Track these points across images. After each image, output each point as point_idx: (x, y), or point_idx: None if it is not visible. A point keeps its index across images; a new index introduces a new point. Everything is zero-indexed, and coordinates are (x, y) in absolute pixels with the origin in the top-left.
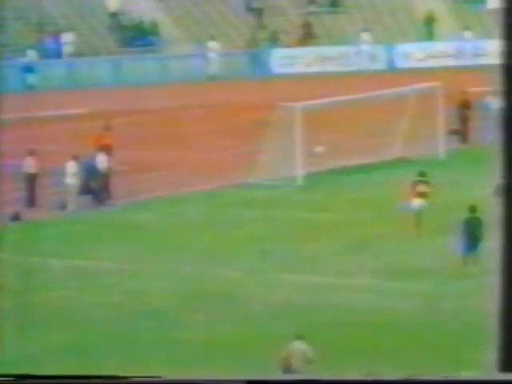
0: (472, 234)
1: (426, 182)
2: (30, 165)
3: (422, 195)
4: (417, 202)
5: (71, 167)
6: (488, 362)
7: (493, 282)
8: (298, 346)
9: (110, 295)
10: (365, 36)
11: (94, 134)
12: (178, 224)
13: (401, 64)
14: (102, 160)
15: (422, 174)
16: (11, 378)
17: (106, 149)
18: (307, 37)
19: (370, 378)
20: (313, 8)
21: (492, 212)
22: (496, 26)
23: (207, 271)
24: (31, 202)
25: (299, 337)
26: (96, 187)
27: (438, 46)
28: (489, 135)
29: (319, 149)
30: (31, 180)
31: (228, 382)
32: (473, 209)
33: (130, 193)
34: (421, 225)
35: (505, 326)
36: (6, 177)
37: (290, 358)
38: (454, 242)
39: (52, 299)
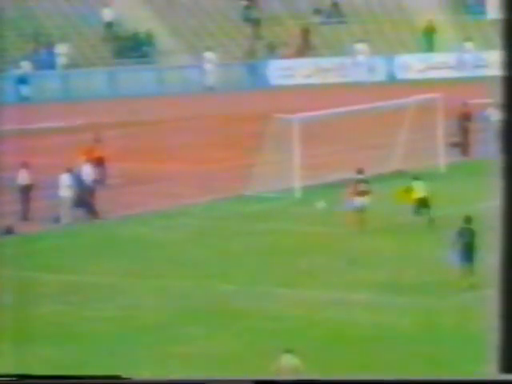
0: (466, 244)
1: (366, 181)
2: (23, 177)
3: (363, 193)
4: (359, 201)
5: (65, 180)
6: (488, 376)
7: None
8: (288, 359)
9: (104, 310)
10: (360, 47)
11: (85, 147)
12: (173, 238)
13: (401, 75)
14: (88, 173)
15: (360, 172)
16: (11, 378)
17: (98, 161)
18: (306, 48)
19: (370, 378)
20: (318, 18)
21: (491, 224)
22: (497, 36)
23: (202, 285)
24: (25, 215)
25: (289, 350)
26: (90, 200)
27: (438, 57)
28: (489, 148)
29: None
30: (25, 193)
31: (236, 382)
32: (468, 220)
33: (125, 206)
34: (364, 222)
35: (505, 327)
36: None
37: (281, 372)
38: (449, 253)
39: (45, 314)
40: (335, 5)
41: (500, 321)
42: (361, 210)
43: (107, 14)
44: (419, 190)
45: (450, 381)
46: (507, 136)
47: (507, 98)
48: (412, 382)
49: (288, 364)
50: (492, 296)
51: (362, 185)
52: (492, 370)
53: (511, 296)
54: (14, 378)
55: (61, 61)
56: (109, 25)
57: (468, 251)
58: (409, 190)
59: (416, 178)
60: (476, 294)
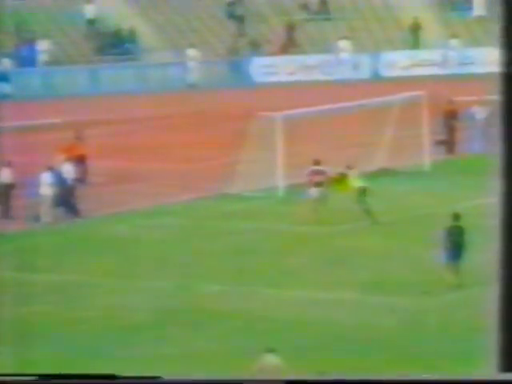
0: (454, 242)
1: (322, 172)
2: (6, 176)
3: (318, 184)
4: (314, 191)
5: (46, 178)
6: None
7: (479, 285)
8: (270, 359)
9: (86, 310)
10: (345, 44)
11: (66, 145)
12: (155, 237)
13: (385, 72)
14: (69, 171)
15: (316, 163)
16: (9, 377)
17: (80, 159)
18: (290, 45)
19: (370, 378)
20: (302, 15)
21: (478, 222)
22: (483, 33)
23: (185, 285)
24: (5, 213)
25: (270, 350)
26: (71, 199)
27: (423, 55)
28: (475, 145)
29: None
30: (6, 191)
31: (235, 381)
32: (456, 217)
33: (106, 204)
34: (318, 212)
35: (505, 326)
36: None
37: (262, 372)
38: (437, 251)
39: (27, 315)
40: (321, 1)
41: (500, 320)
42: (317, 201)
43: (89, 11)
44: (355, 179)
45: (450, 381)
46: (507, 135)
47: (507, 96)
48: (412, 381)
49: (269, 364)
50: (480, 294)
51: (318, 176)
52: (492, 370)
53: (511, 295)
54: (10, 377)
55: (42, 58)
56: (91, 22)
57: (456, 249)
58: (343, 179)
59: (349, 167)
60: (463, 292)
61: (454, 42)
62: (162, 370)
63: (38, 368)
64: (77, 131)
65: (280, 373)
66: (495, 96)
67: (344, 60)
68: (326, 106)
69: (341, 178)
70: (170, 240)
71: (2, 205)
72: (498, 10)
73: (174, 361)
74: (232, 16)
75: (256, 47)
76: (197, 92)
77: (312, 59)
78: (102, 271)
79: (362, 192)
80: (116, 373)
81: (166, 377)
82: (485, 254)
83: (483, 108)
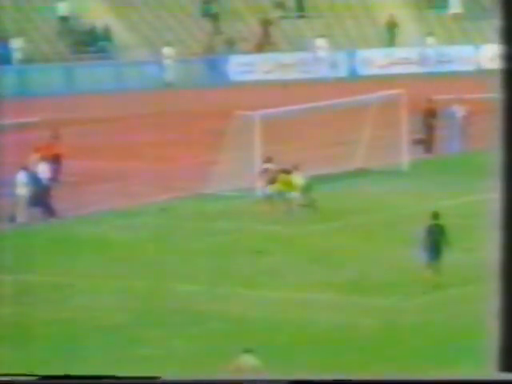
0: (434, 241)
1: (271, 170)
2: None
3: (271, 181)
4: (268, 188)
5: (20, 178)
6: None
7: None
8: (247, 359)
9: (61, 311)
10: (320, 42)
11: (41, 144)
12: (132, 237)
13: (362, 71)
14: (44, 171)
15: (269, 160)
16: (6, 378)
17: (55, 159)
18: (266, 43)
19: (370, 378)
20: (279, 12)
21: (458, 222)
22: (459, 30)
23: (161, 286)
24: None
25: (248, 350)
26: (46, 199)
27: (400, 53)
28: (454, 145)
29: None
30: None
31: (234, 381)
32: (435, 216)
33: (81, 205)
34: (274, 209)
35: (505, 326)
36: None
37: (239, 372)
38: (417, 250)
39: (1, 315)
40: None
41: (499, 319)
42: (269, 198)
43: (63, 8)
44: (298, 177)
45: (450, 381)
46: (506, 134)
47: (506, 92)
48: (412, 381)
49: (247, 364)
50: (459, 295)
51: (268, 173)
52: (492, 370)
53: (510, 295)
54: (9, 378)
55: (16, 55)
56: (64, 19)
57: (436, 248)
58: (287, 177)
59: (296, 167)
60: (441, 293)
61: (430, 39)
62: (138, 371)
63: (15, 368)
64: (53, 130)
65: (257, 373)
66: (474, 94)
67: (321, 58)
68: (303, 105)
69: (285, 177)
70: (146, 240)
71: None
72: (498, 7)
73: (150, 361)
74: (207, 14)
75: (232, 45)
76: (173, 91)
77: (288, 57)
78: (77, 272)
79: (306, 189)
80: (92, 373)
81: (166, 377)
82: (464, 253)
83: (462, 107)
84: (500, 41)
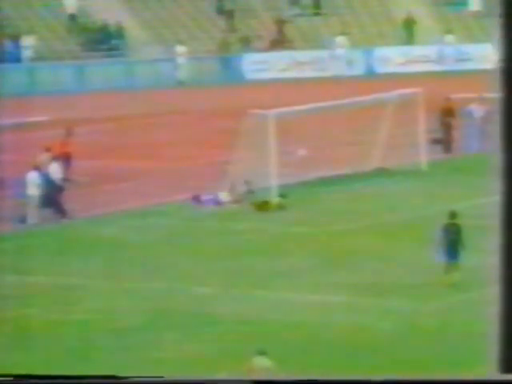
0: (451, 240)
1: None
2: None
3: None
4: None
5: (32, 178)
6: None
7: (477, 286)
8: (261, 361)
9: (73, 313)
10: (339, 40)
11: (52, 143)
12: (145, 238)
13: (380, 69)
14: (56, 171)
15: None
16: (9, 378)
17: (66, 158)
18: (281, 41)
19: (370, 378)
20: (295, 10)
21: (476, 223)
22: (479, 28)
23: (175, 288)
24: None
25: (262, 352)
26: (58, 199)
27: (418, 51)
28: (473, 144)
29: (302, 152)
30: None
31: (234, 381)
32: (453, 215)
33: (94, 205)
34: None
35: (505, 326)
36: None
37: (253, 374)
38: (434, 250)
39: (11, 318)
40: None
41: (500, 320)
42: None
43: (71, 5)
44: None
45: (450, 381)
46: (507, 133)
47: (505, 91)
48: (412, 381)
49: (260, 366)
50: (479, 297)
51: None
52: (492, 370)
53: (511, 296)
54: (9, 378)
55: (27, 54)
56: (72, 16)
57: (453, 247)
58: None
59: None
60: (461, 295)
61: (449, 37)
62: (151, 374)
63: (26, 370)
64: (67, 128)
65: (271, 375)
66: (493, 93)
67: (337, 56)
68: (319, 104)
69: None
70: (160, 241)
71: None
72: (497, 5)
73: (164, 364)
74: (222, 11)
75: (246, 43)
76: (186, 89)
77: (304, 55)
78: (89, 273)
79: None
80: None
81: (166, 377)
82: (483, 254)
83: (481, 106)
84: (500, 40)
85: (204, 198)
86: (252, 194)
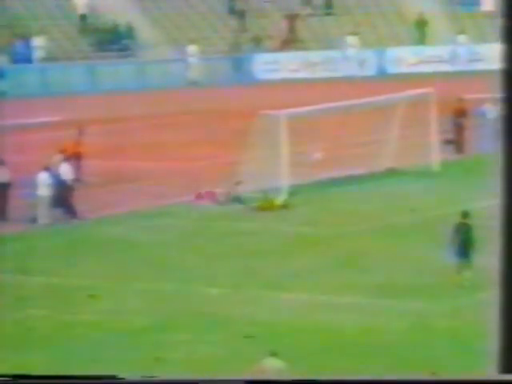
0: (463, 240)
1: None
2: (0, 175)
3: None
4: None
5: (43, 178)
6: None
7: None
8: (272, 362)
9: (84, 314)
10: (351, 40)
11: (63, 143)
12: (156, 239)
13: (392, 69)
14: (66, 171)
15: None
16: (8, 378)
17: (77, 159)
18: (292, 41)
19: (370, 378)
20: (307, 10)
21: (488, 224)
22: (491, 29)
23: (186, 289)
24: (1, 214)
25: (273, 353)
26: (68, 200)
27: (430, 51)
28: (485, 145)
29: (317, 155)
30: (1, 192)
31: (227, 381)
32: (465, 215)
33: (104, 205)
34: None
35: (505, 326)
36: None
37: (264, 375)
38: (446, 250)
39: (21, 319)
40: None
41: (500, 321)
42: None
43: (82, 6)
44: (274, 197)
45: (450, 381)
46: (507, 133)
47: (507, 92)
48: (412, 381)
49: (272, 367)
50: (489, 298)
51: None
52: (492, 371)
53: (511, 296)
54: (9, 378)
55: (38, 54)
56: (83, 17)
57: (465, 247)
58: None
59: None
60: (473, 296)
61: (461, 37)
62: (162, 375)
63: (34, 371)
64: (79, 128)
65: (282, 376)
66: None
67: (349, 56)
68: (331, 104)
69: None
70: (171, 242)
71: None
72: (500, 6)
73: (174, 365)
74: (233, 11)
75: (258, 43)
76: (197, 89)
77: (316, 56)
78: (100, 274)
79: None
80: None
81: (167, 377)
82: (495, 255)
83: (494, 106)
84: (502, 40)
85: (206, 194)
86: (262, 194)
